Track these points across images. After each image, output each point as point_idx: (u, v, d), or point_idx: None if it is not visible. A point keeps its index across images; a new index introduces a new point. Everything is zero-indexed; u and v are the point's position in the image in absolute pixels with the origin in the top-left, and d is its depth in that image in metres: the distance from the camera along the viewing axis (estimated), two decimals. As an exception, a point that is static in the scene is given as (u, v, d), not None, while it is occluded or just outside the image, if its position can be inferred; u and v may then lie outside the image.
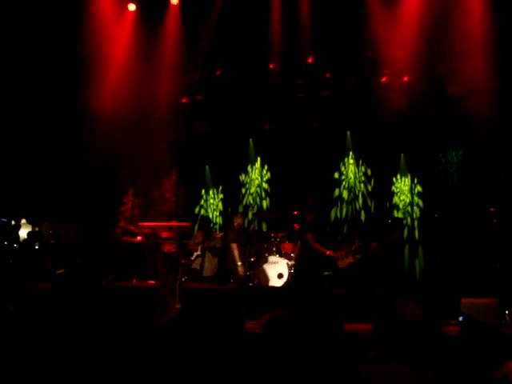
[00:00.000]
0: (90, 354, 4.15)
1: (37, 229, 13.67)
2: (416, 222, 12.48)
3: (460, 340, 4.98)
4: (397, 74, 12.17)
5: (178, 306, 8.67)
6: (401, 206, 12.66)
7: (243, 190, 13.86)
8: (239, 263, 10.38)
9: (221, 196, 14.02)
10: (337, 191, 13.22)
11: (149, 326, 4.67)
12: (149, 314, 7.35)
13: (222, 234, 11.94)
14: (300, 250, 10.65)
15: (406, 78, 12.11)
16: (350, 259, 10.48)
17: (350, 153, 13.19)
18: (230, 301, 7.54)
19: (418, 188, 12.63)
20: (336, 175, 13.29)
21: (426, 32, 11.20)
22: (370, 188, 12.99)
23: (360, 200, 12.99)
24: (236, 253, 10.43)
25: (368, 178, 13.03)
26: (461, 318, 4.96)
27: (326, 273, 11.53)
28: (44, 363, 4.08)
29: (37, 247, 13.82)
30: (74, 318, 5.55)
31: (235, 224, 10.83)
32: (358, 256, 10.40)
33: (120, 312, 5.12)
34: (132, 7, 12.86)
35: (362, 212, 12.89)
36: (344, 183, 13.17)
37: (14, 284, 9.88)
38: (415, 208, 12.56)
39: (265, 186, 13.76)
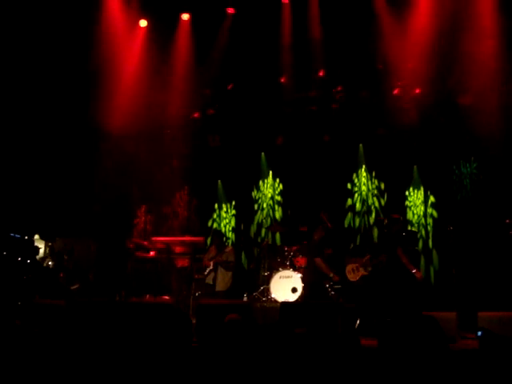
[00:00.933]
0: (105, 370, 4.12)
1: (50, 244, 13.73)
2: (430, 232, 12.39)
3: (479, 355, 4.90)
4: (408, 86, 12.13)
5: (193, 321, 8.62)
6: (414, 220, 12.58)
7: (255, 206, 13.82)
8: (331, 274, 10.23)
9: (233, 212, 13.99)
10: (349, 201, 13.16)
11: (166, 342, 4.62)
12: (165, 330, 7.32)
13: (232, 247, 11.94)
14: (309, 265, 10.58)
15: (417, 90, 12.08)
16: (361, 272, 10.43)
17: (363, 165, 13.13)
18: (245, 315, 7.51)
19: (432, 199, 12.56)
20: (349, 186, 13.23)
21: (436, 44, 11.24)
22: (382, 202, 12.91)
23: (373, 214, 12.91)
24: (323, 266, 10.27)
25: (381, 192, 12.95)
26: (479, 333, 4.88)
27: (336, 286, 11.50)
28: (57, 379, 4.05)
29: (50, 263, 13.86)
30: (89, 334, 5.52)
31: (315, 238, 10.64)
32: (370, 268, 10.36)
33: (136, 328, 5.09)
34: (143, 23, 12.98)
35: (375, 228, 12.80)
36: (356, 195, 13.11)
37: (26, 301, 9.90)
38: (429, 219, 12.48)
39: (277, 198, 13.73)
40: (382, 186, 13.00)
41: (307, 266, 10.91)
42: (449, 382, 3.47)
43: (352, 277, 10.56)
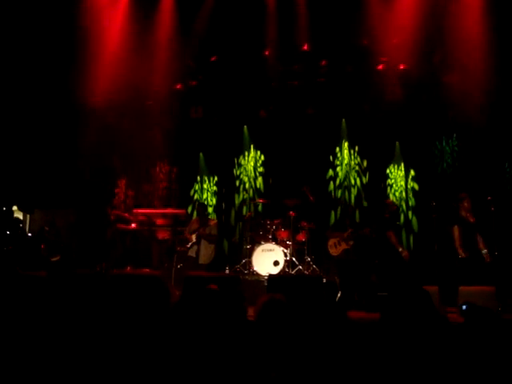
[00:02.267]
0: (89, 343, 4.10)
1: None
2: (412, 205, 12.52)
3: (465, 328, 4.98)
4: (393, 62, 12.12)
5: (177, 293, 8.64)
6: (397, 195, 12.68)
7: (237, 183, 13.81)
8: (400, 249, 10.09)
9: (214, 188, 13.97)
10: (331, 171, 13.20)
11: (151, 313, 4.62)
12: (151, 302, 7.33)
13: (216, 221, 11.92)
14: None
15: (402, 66, 12.08)
16: (343, 246, 10.52)
17: (345, 141, 13.16)
18: (232, 289, 7.56)
19: (412, 173, 12.67)
20: (331, 158, 13.26)
21: (422, 19, 11.18)
22: (364, 180, 12.99)
23: (355, 189, 12.98)
24: (394, 240, 10.09)
25: (363, 171, 13.03)
26: (464, 307, 4.96)
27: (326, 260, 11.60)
28: (39, 353, 4.02)
29: (30, 234, 13.75)
30: (72, 306, 5.49)
31: (386, 213, 10.43)
32: (351, 242, 10.45)
33: (119, 300, 5.07)
34: (126, -9, 12.73)
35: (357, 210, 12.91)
36: (339, 169, 13.16)
37: (9, 271, 9.83)
38: (410, 192, 12.61)
39: (260, 169, 13.73)
40: (365, 163, 13.04)
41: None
42: (441, 355, 3.54)
43: (334, 251, 10.64)
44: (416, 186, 12.61)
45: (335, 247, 10.59)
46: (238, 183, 13.78)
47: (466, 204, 9.55)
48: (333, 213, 13.01)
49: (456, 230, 9.51)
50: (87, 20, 12.00)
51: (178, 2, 12.76)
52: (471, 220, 9.47)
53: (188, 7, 12.63)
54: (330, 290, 10.05)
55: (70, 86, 12.25)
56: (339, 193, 13.06)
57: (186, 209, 13.38)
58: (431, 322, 3.41)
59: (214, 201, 13.89)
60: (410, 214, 12.53)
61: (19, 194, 13.53)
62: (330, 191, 13.18)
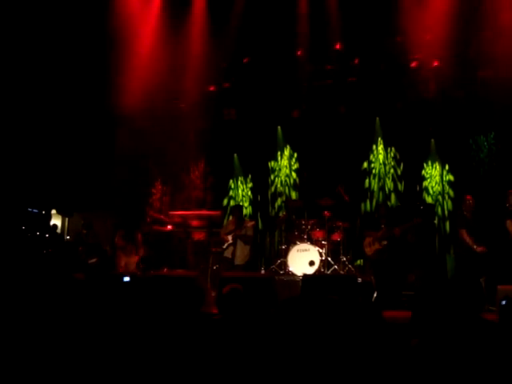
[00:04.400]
0: (128, 343, 4.14)
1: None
2: (447, 212, 12.35)
3: (500, 325, 4.91)
4: (427, 59, 11.99)
5: (213, 294, 8.70)
6: (431, 191, 12.52)
7: (272, 177, 13.82)
8: (475, 247, 9.84)
9: (250, 185, 13.99)
10: (367, 182, 13.13)
11: (190, 314, 4.66)
12: (189, 303, 7.40)
13: (253, 222, 11.94)
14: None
15: (436, 63, 11.94)
16: (376, 246, 10.46)
17: (380, 139, 13.06)
18: (267, 288, 7.60)
19: (450, 177, 12.49)
20: (365, 165, 13.18)
21: (455, 15, 11.05)
22: (399, 172, 12.86)
23: (389, 183, 12.87)
24: (468, 239, 9.82)
25: (397, 162, 12.90)
26: (504, 302, 4.87)
27: (358, 262, 11.53)
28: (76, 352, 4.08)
29: (68, 237, 13.99)
30: (110, 307, 5.56)
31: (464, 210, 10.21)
32: (385, 242, 10.38)
33: (158, 302, 5.13)
34: (158, -4, 12.86)
35: (393, 195, 12.77)
36: (374, 171, 13.07)
37: (62, 275, 9.99)
38: (447, 200, 12.43)
39: (293, 175, 13.72)
40: (398, 156, 12.93)
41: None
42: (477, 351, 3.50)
43: (368, 250, 10.61)
44: (451, 193, 12.41)
45: (369, 246, 10.55)
46: (272, 177, 13.78)
47: None
48: (363, 205, 12.96)
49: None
50: (119, 23, 12.12)
51: (210, 3, 12.82)
52: None
53: (220, 8, 12.69)
54: (365, 289, 10.03)
55: (104, 90, 12.41)
56: (375, 184, 12.94)
57: (222, 210, 13.42)
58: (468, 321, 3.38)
59: (250, 195, 13.90)
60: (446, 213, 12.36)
61: (58, 198, 13.76)
62: (366, 188, 13.09)
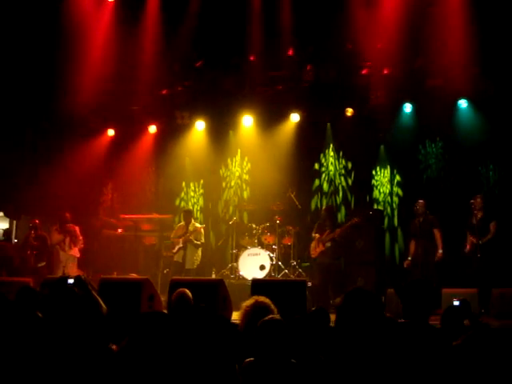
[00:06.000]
0: (73, 347, 4.09)
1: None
2: (396, 210, 12.56)
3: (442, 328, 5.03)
4: (377, 67, 12.17)
5: (163, 299, 8.65)
6: (381, 198, 12.71)
7: (223, 184, 13.82)
8: (409, 258, 10.31)
9: (201, 191, 13.97)
10: (317, 182, 13.24)
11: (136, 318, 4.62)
12: (136, 307, 7.37)
13: (203, 226, 11.94)
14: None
15: (386, 71, 12.14)
16: (320, 248, 10.59)
17: (331, 145, 13.20)
18: (218, 292, 7.62)
19: (398, 178, 12.70)
20: (316, 166, 13.29)
21: (405, 24, 11.24)
22: (350, 182, 13.02)
23: (340, 194, 13.00)
24: (439, 240, 10.14)
25: (348, 172, 13.05)
26: (457, 303, 4.99)
27: (305, 264, 11.64)
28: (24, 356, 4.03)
29: (16, 241, 13.72)
30: (59, 311, 5.48)
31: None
32: (328, 244, 10.52)
33: (108, 305, 5.09)
34: (111, -3, 12.74)
35: (342, 207, 12.92)
36: (324, 175, 13.19)
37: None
38: (395, 197, 12.64)
39: (245, 177, 13.75)
40: (350, 165, 13.07)
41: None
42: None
43: (313, 253, 10.74)
44: (400, 192, 12.63)
45: (314, 249, 10.69)
46: (224, 185, 13.79)
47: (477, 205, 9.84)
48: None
49: None
50: (71, 23, 11.99)
51: (164, 5, 12.76)
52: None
53: (174, 12, 12.65)
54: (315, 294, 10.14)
55: (54, 91, 12.25)
56: (324, 200, 13.06)
57: (173, 214, 13.36)
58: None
59: (201, 202, 13.89)
60: (395, 220, 12.57)
61: (5, 201, 13.49)
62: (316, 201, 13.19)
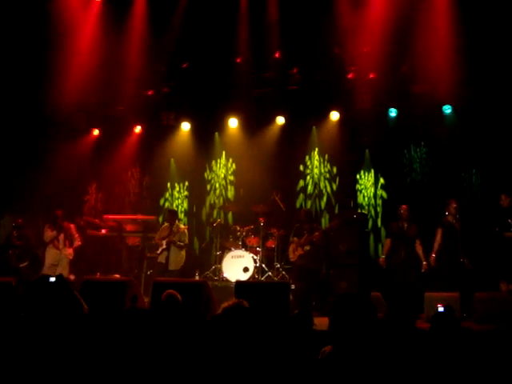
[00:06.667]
0: (56, 347, 4.08)
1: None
2: (380, 213, 12.61)
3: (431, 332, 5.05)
4: (363, 71, 12.23)
5: (146, 300, 8.65)
6: (365, 202, 12.77)
7: (208, 187, 13.82)
8: (382, 256, 10.37)
9: (185, 193, 13.95)
10: (301, 182, 13.27)
11: (119, 319, 4.62)
12: (120, 307, 7.36)
13: (187, 227, 11.92)
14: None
15: (372, 75, 12.19)
16: (299, 251, 10.61)
17: (316, 148, 13.23)
18: (201, 293, 7.63)
19: (381, 181, 12.76)
20: (301, 168, 13.32)
21: (392, 29, 11.30)
22: (334, 187, 13.06)
23: (324, 198, 13.04)
24: (419, 249, 10.19)
25: (333, 177, 13.09)
26: (441, 309, 5.01)
27: (287, 266, 11.66)
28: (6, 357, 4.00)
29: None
30: (40, 311, 5.46)
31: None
32: (307, 248, 10.54)
33: (91, 305, 5.08)
34: (98, -4, 12.68)
35: (325, 212, 12.97)
36: (309, 177, 13.22)
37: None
38: (378, 200, 12.70)
39: (230, 177, 13.76)
40: (334, 170, 13.11)
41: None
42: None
43: (292, 257, 10.76)
44: (384, 195, 12.69)
45: (293, 253, 10.71)
46: (208, 187, 13.78)
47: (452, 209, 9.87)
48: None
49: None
50: (57, 22, 11.92)
51: (151, 6, 12.73)
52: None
53: (160, 13, 12.61)
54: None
55: (38, 90, 12.18)
56: (309, 202, 13.10)
57: (157, 215, 13.34)
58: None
59: (186, 205, 13.88)
60: (379, 221, 12.63)
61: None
62: (301, 201, 13.21)
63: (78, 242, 11.54)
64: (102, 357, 3.75)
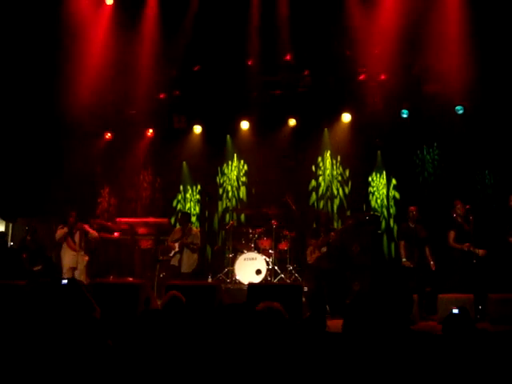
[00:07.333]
0: (68, 349, 4.07)
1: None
2: (393, 214, 12.57)
3: (444, 335, 5.01)
4: (374, 72, 12.20)
5: (159, 302, 8.65)
6: (378, 204, 12.73)
7: (220, 191, 13.83)
8: (404, 259, 10.16)
9: (197, 197, 13.97)
10: (313, 182, 13.25)
11: (131, 322, 4.61)
12: (133, 310, 7.37)
13: (199, 230, 11.94)
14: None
15: (383, 76, 12.17)
16: (316, 253, 10.55)
17: (328, 150, 13.22)
18: (214, 296, 7.62)
19: (394, 182, 12.73)
20: (313, 168, 13.31)
21: (403, 29, 11.28)
22: (346, 190, 13.03)
23: (337, 200, 13.02)
24: (403, 250, 10.19)
25: (345, 180, 13.07)
26: (456, 311, 4.96)
27: (299, 268, 11.63)
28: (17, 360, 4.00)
29: (12, 243, 13.66)
30: (51, 313, 5.45)
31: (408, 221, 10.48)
32: (324, 249, 10.50)
33: (104, 308, 5.08)
34: (109, 1, 12.72)
35: (336, 215, 12.95)
36: (321, 178, 13.21)
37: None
38: (391, 201, 12.66)
39: (242, 179, 13.77)
40: (347, 173, 13.09)
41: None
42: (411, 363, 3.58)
43: (309, 259, 10.70)
44: (397, 195, 12.66)
45: (311, 255, 10.65)
46: (221, 191, 13.79)
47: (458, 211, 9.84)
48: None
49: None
50: (69, 27, 11.96)
51: (162, 10, 12.75)
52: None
53: (172, 16, 12.64)
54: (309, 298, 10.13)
55: (52, 94, 12.23)
56: (321, 203, 13.09)
57: (169, 218, 13.36)
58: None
59: (198, 209, 13.90)
60: (391, 221, 12.59)
61: (1, 203, 13.46)
62: (313, 202, 13.21)
63: (95, 234, 11.39)
64: (114, 360, 3.75)
